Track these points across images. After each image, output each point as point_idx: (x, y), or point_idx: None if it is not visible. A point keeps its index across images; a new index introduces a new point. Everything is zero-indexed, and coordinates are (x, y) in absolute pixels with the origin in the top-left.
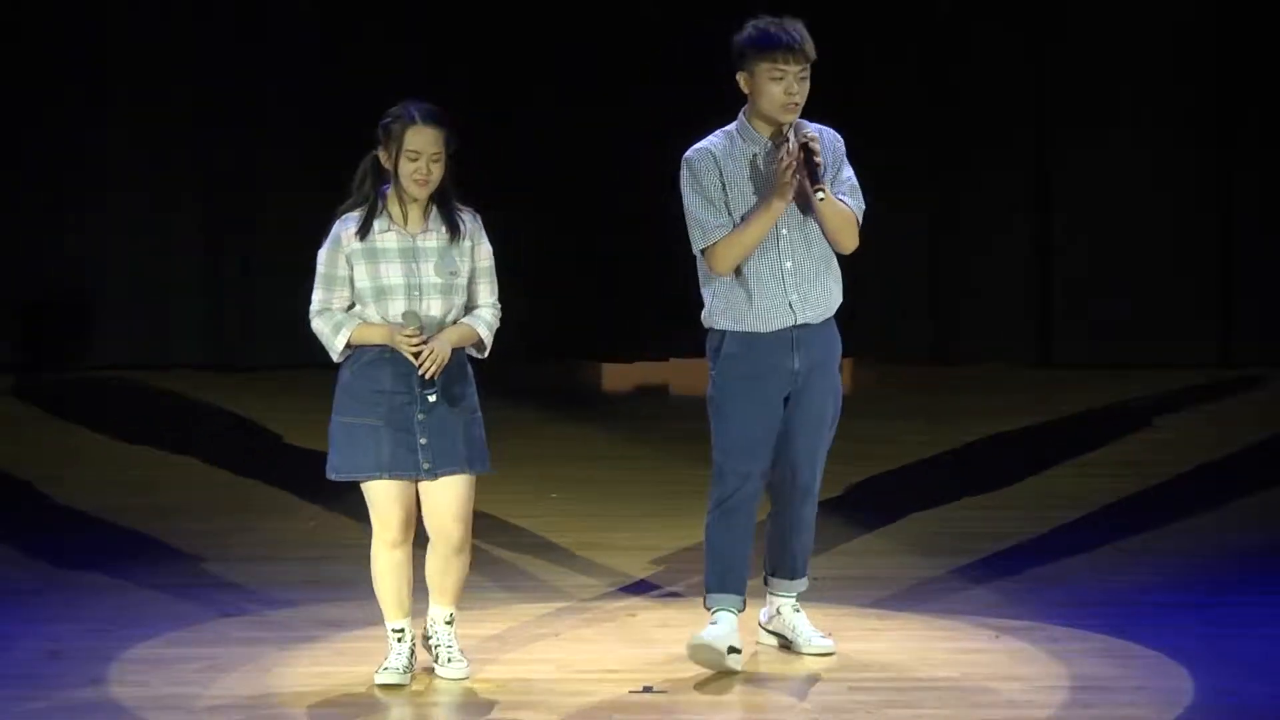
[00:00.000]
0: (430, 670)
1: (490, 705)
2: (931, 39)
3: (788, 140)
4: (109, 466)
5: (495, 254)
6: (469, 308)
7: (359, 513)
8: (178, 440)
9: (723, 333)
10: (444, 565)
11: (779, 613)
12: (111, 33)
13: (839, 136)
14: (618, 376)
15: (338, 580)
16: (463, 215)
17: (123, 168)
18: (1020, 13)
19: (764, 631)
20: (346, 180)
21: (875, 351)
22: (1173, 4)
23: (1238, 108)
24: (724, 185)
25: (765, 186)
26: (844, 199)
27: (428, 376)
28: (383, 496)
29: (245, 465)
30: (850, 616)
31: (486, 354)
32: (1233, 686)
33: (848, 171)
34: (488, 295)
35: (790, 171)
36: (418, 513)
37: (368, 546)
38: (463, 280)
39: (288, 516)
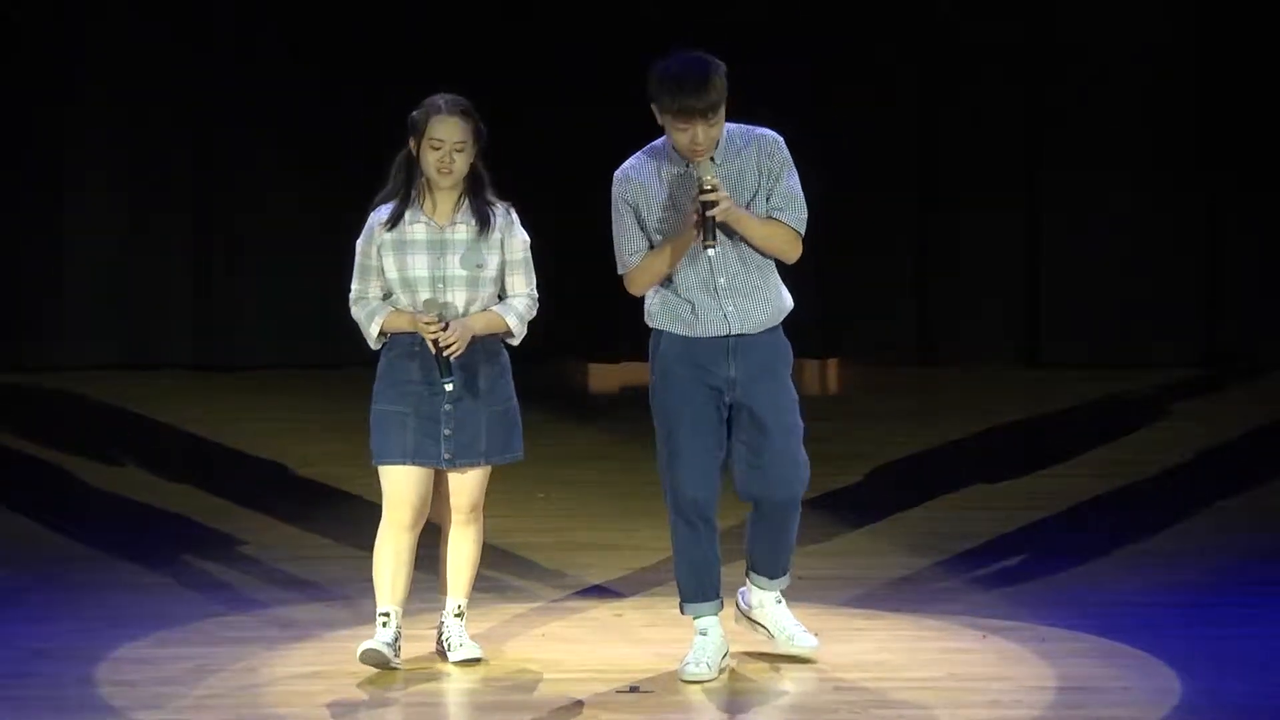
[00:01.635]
0: (441, 658)
1: (478, 705)
2: (928, 44)
3: (697, 180)
4: (96, 468)
5: None
6: (503, 298)
7: (347, 515)
8: (164, 441)
9: (660, 333)
10: (456, 544)
11: (762, 605)
12: (103, 30)
13: (779, 140)
14: (604, 377)
15: (326, 580)
16: (495, 208)
17: (111, 166)
18: (1015, 25)
19: (747, 620)
20: (336, 180)
21: (864, 353)
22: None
23: (1222, 124)
24: (645, 205)
25: (682, 207)
26: (779, 215)
27: (446, 355)
28: (401, 481)
29: (232, 466)
30: (837, 616)
31: (517, 341)
32: (1220, 687)
33: (788, 181)
34: (523, 285)
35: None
36: (432, 501)
37: (356, 549)
38: (490, 273)
39: (275, 516)
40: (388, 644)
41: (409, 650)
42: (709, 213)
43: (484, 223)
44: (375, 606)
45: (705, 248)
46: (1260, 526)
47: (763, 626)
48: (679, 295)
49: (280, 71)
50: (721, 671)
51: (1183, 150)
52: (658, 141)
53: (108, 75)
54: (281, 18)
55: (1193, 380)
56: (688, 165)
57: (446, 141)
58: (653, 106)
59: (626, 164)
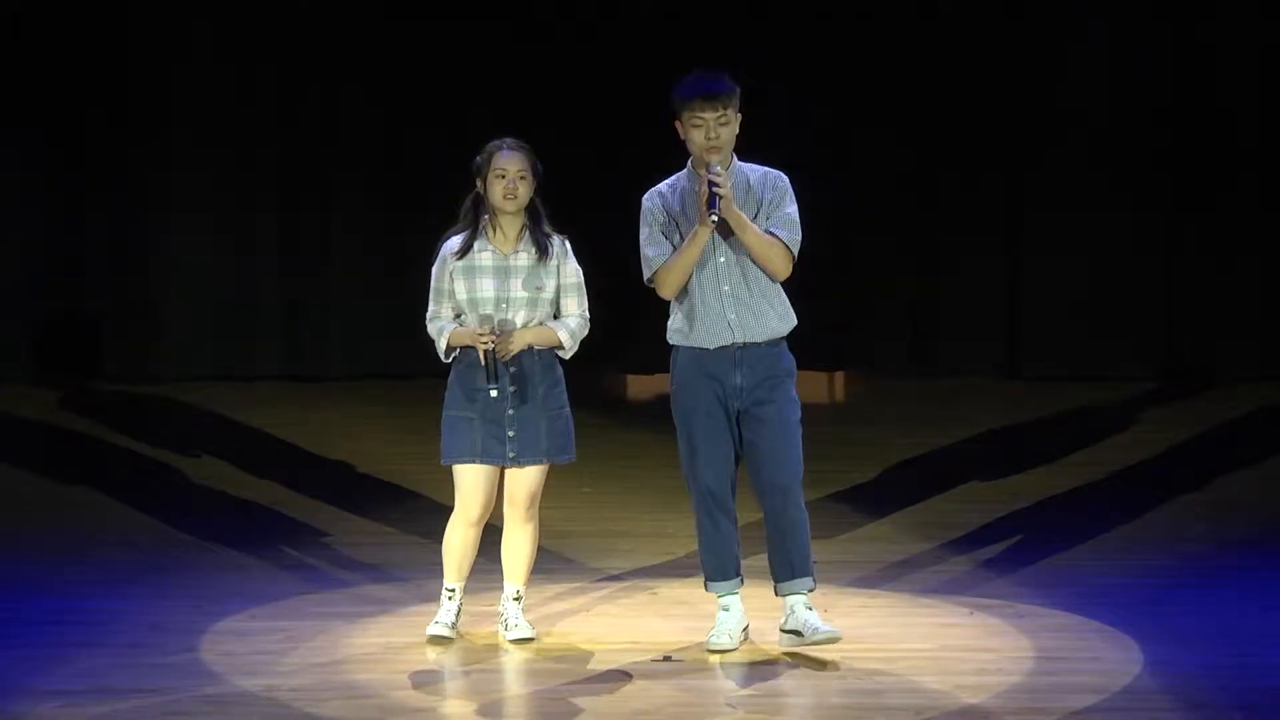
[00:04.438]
0: (501, 634)
1: (528, 673)
2: (913, 76)
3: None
4: (200, 466)
5: None
6: (558, 317)
7: (414, 507)
8: (260, 443)
9: (676, 349)
10: (513, 537)
11: (793, 611)
12: (197, 51)
13: (782, 176)
14: (641, 386)
15: (396, 564)
16: (552, 239)
17: (209, 186)
18: (996, 51)
19: (783, 634)
20: (414, 201)
21: (866, 366)
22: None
23: (1178, 168)
24: (669, 220)
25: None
26: (776, 231)
27: (496, 359)
28: (471, 480)
29: (317, 465)
30: (842, 595)
31: (569, 355)
32: (1178, 658)
33: (787, 208)
34: (574, 307)
35: (704, 202)
36: (498, 499)
37: (426, 537)
38: (548, 294)
39: (353, 509)
40: (449, 625)
41: (476, 626)
42: (715, 189)
43: (543, 251)
44: (443, 582)
45: (710, 216)
46: (1215, 520)
47: (794, 632)
48: (689, 305)
49: (360, 108)
50: (743, 642)
51: (1146, 186)
52: (679, 172)
53: (201, 114)
54: (362, 47)
55: (1154, 391)
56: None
57: (510, 170)
58: (675, 122)
59: (656, 186)
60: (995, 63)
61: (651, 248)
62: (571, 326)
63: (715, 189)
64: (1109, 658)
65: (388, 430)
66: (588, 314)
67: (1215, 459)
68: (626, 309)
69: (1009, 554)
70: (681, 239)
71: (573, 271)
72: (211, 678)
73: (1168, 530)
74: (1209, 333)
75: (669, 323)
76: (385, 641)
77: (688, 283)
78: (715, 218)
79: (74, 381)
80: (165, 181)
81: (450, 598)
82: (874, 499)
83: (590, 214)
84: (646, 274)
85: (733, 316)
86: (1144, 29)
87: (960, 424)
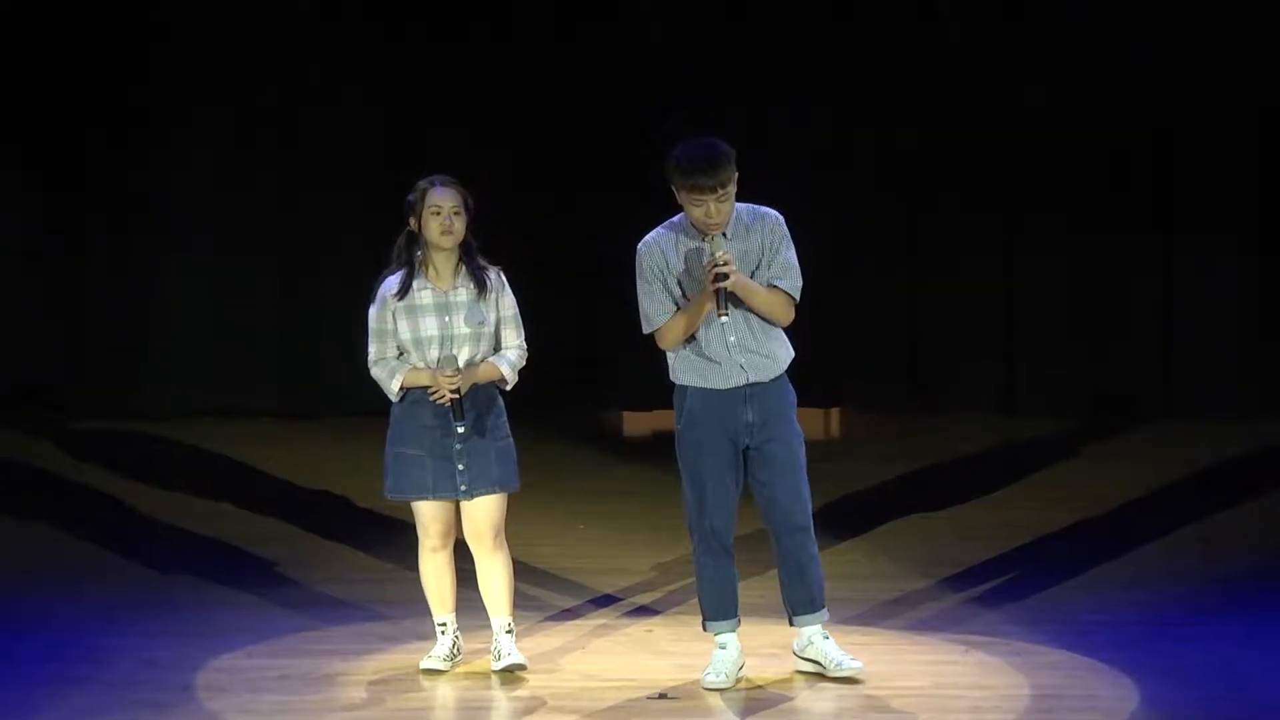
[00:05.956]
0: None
1: (523, 710)
2: (908, 112)
3: (710, 255)
4: (196, 502)
5: (530, 313)
6: (498, 349)
7: (405, 543)
8: (254, 480)
9: (685, 388)
10: (486, 570)
11: (811, 642)
12: (195, 85)
13: (780, 218)
14: (637, 422)
15: (389, 600)
16: (488, 273)
17: (204, 220)
18: (988, 87)
19: (800, 660)
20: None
21: (863, 402)
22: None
23: (1170, 210)
24: (666, 272)
25: (697, 275)
26: (778, 282)
27: (434, 398)
28: (426, 513)
29: (311, 502)
30: (836, 633)
31: (510, 386)
32: (1173, 695)
33: (786, 253)
34: (514, 338)
35: (710, 291)
36: (457, 523)
37: (413, 572)
38: (489, 328)
39: (352, 546)
40: (443, 658)
41: (470, 662)
42: (721, 284)
43: (481, 285)
44: (433, 620)
45: (719, 316)
46: (1213, 555)
47: (813, 661)
48: (699, 354)
49: (361, 140)
50: (738, 681)
51: (1137, 240)
52: (675, 217)
53: (199, 148)
54: (356, 91)
55: (1151, 427)
56: (703, 239)
57: (445, 206)
58: (671, 186)
59: (649, 236)
60: (987, 98)
61: (650, 303)
62: (511, 359)
63: (721, 283)
64: (1105, 695)
65: (379, 466)
66: (525, 344)
67: (1213, 494)
68: (622, 344)
69: (1004, 590)
70: (682, 291)
71: (509, 304)
72: (207, 715)
73: (1165, 566)
74: (1207, 368)
75: (672, 363)
76: (380, 678)
77: (694, 333)
78: (726, 318)
79: (67, 418)
80: (163, 214)
81: (443, 632)
82: (869, 535)
83: (586, 251)
84: (646, 329)
85: (743, 361)
86: (1130, 64)
87: (956, 459)
